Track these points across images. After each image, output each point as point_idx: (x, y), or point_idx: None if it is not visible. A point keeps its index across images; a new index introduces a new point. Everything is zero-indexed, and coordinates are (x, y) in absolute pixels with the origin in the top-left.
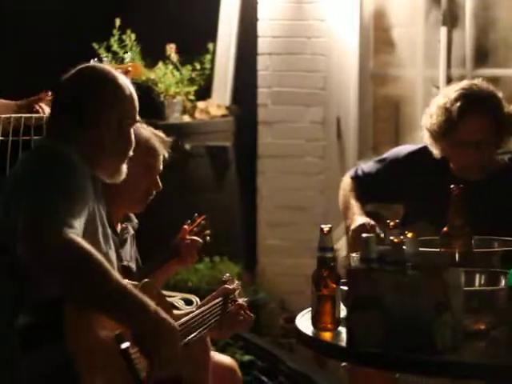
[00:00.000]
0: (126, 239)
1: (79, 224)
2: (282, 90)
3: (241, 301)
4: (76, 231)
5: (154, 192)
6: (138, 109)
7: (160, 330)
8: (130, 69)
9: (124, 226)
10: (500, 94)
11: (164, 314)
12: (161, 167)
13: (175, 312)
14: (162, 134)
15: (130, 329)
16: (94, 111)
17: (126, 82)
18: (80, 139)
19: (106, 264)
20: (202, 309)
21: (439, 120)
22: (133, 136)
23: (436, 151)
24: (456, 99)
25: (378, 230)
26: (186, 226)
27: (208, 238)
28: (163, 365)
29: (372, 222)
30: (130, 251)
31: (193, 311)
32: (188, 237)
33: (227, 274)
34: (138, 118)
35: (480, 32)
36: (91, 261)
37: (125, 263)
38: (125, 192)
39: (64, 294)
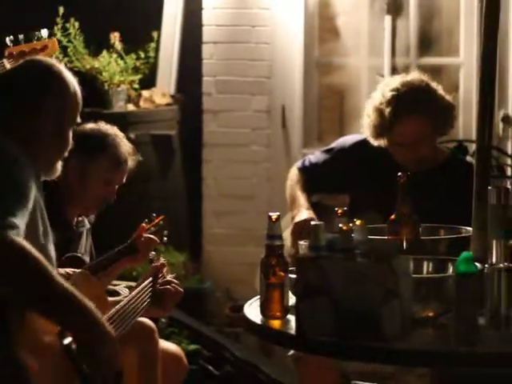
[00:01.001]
0: (81, 233)
1: (22, 222)
2: (226, 79)
3: (169, 277)
4: (18, 231)
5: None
6: (79, 110)
7: (97, 333)
8: (47, 45)
9: (80, 219)
10: (436, 85)
11: (101, 317)
12: (123, 181)
13: (111, 299)
14: (131, 149)
15: (69, 331)
16: (36, 98)
17: (72, 79)
18: (19, 127)
19: (47, 265)
20: (135, 292)
21: (374, 122)
22: (70, 136)
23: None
24: (389, 102)
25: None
26: (143, 224)
27: (165, 238)
28: (101, 365)
29: (315, 219)
30: (85, 245)
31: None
32: (146, 236)
33: (153, 253)
34: (78, 120)
35: (424, 21)
36: (31, 263)
37: (78, 255)
38: (81, 197)
39: (5, 295)
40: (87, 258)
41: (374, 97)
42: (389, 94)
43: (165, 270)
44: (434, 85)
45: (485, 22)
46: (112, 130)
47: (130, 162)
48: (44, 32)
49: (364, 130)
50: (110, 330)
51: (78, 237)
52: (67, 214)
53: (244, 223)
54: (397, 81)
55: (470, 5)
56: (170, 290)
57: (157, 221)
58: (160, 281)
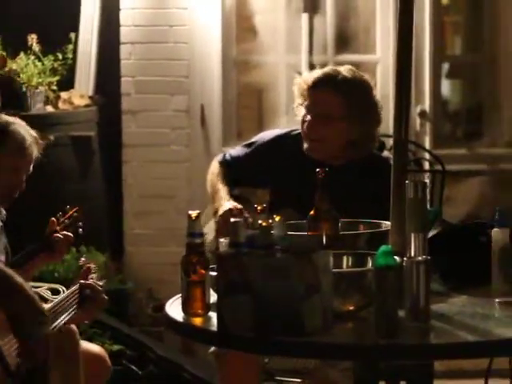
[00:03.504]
0: None
1: None
2: (145, 79)
3: (91, 281)
4: None
5: (18, 192)
6: None
7: (32, 310)
8: None
9: None
10: (372, 84)
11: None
12: (30, 168)
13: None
14: (36, 135)
15: (3, 309)
16: None
17: None
18: None
19: None
20: (63, 295)
21: (301, 83)
22: None
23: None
24: (321, 72)
25: (245, 214)
26: (53, 219)
27: (81, 230)
28: (33, 349)
29: (239, 207)
30: None
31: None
32: (61, 232)
33: (82, 259)
34: None
35: (341, 18)
36: None
37: None
38: None
39: None
40: (2, 257)
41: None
42: (324, 68)
43: (94, 275)
44: (367, 80)
45: (399, 20)
46: (13, 119)
47: (36, 149)
48: None
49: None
50: (45, 311)
51: None
52: None
53: (165, 223)
54: (345, 66)
55: (386, 2)
56: (92, 296)
57: (71, 213)
58: (88, 284)
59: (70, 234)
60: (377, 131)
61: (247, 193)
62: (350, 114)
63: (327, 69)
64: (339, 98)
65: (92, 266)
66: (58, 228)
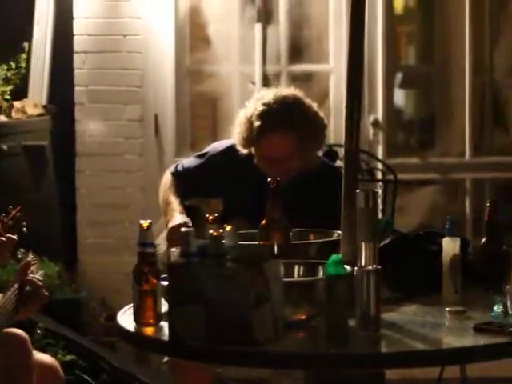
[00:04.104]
0: None
1: None
2: (98, 89)
3: (31, 276)
4: None
5: None
6: None
7: None
8: None
9: None
10: (311, 102)
11: None
12: None
13: None
14: None
15: None
16: None
17: None
18: None
19: None
20: (5, 295)
21: (243, 133)
22: None
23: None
24: (259, 116)
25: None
26: None
27: (24, 229)
28: None
29: (189, 222)
30: None
31: None
32: (5, 234)
33: (21, 250)
34: None
35: (294, 28)
36: None
37: None
38: None
39: None
40: None
41: (247, 107)
42: (260, 108)
43: (33, 267)
44: (307, 102)
45: (350, 30)
46: None
47: None
48: None
49: (234, 138)
50: None
51: None
52: None
53: (119, 232)
54: (271, 95)
55: (339, 13)
56: (33, 292)
57: (14, 213)
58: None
59: (13, 236)
60: (325, 137)
61: (200, 203)
62: (302, 142)
63: (262, 112)
64: (287, 136)
65: (30, 258)
66: (1, 231)
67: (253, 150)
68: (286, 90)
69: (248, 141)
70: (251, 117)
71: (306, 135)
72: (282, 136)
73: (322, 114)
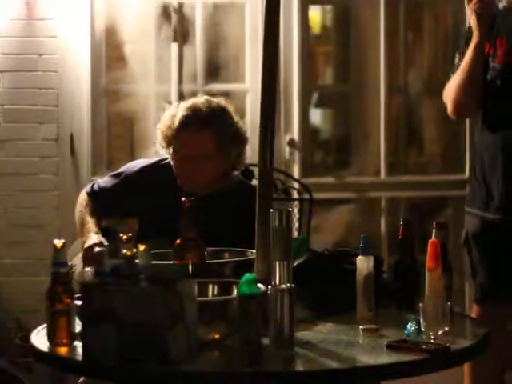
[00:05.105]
0: None
1: None
2: (14, 108)
3: None
4: None
5: None
6: None
7: None
8: None
9: None
10: (235, 115)
11: None
12: None
13: None
14: None
15: None
16: None
17: None
18: None
19: None
20: None
21: (164, 129)
22: None
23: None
24: (182, 112)
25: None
26: None
27: None
28: None
29: (104, 242)
30: None
31: None
32: None
33: None
34: None
35: (211, 48)
36: None
37: None
38: None
39: None
40: None
41: (175, 107)
42: (185, 106)
43: None
44: (233, 112)
45: (264, 49)
46: None
47: None
48: None
49: (157, 139)
50: None
51: None
52: None
53: (34, 252)
54: (200, 98)
55: (255, 32)
56: None
57: None
58: None
59: None
60: (245, 152)
61: (115, 223)
62: (220, 144)
63: (186, 109)
64: (206, 135)
65: None
66: None
67: (171, 150)
68: (215, 98)
69: (168, 137)
70: (175, 114)
71: (225, 140)
72: (200, 133)
73: (245, 129)
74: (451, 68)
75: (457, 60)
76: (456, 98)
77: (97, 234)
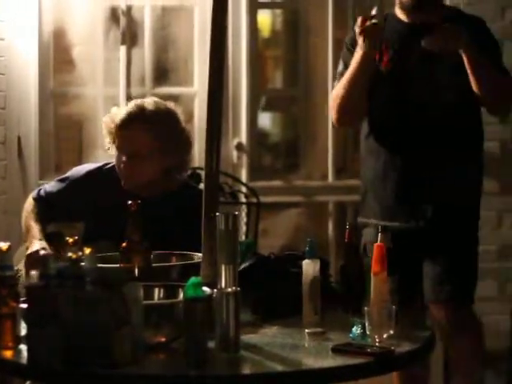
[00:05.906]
0: None
1: None
2: None
3: None
4: None
5: None
6: None
7: None
8: None
9: None
10: (182, 118)
11: None
12: None
13: None
14: None
15: None
16: None
17: None
18: None
19: None
20: None
21: (107, 122)
22: None
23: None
24: (127, 109)
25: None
26: None
27: None
28: None
29: (47, 249)
30: None
31: None
32: None
33: None
34: None
35: (159, 51)
36: None
37: None
38: None
39: None
40: None
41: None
42: (131, 103)
43: None
44: (178, 115)
45: (211, 52)
46: None
47: None
48: None
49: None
50: None
51: None
52: None
53: None
54: (148, 99)
55: (203, 36)
56: None
57: None
58: None
59: None
60: (189, 157)
61: (62, 227)
62: (162, 145)
63: (131, 106)
64: (148, 133)
65: None
66: None
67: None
68: (166, 102)
69: (112, 133)
70: (120, 110)
71: (167, 141)
72: (140, 131)
73: (190, 133)
74: (335, 76)
75: (340, 68)
76: (339, 109)
77: (40, 240)
